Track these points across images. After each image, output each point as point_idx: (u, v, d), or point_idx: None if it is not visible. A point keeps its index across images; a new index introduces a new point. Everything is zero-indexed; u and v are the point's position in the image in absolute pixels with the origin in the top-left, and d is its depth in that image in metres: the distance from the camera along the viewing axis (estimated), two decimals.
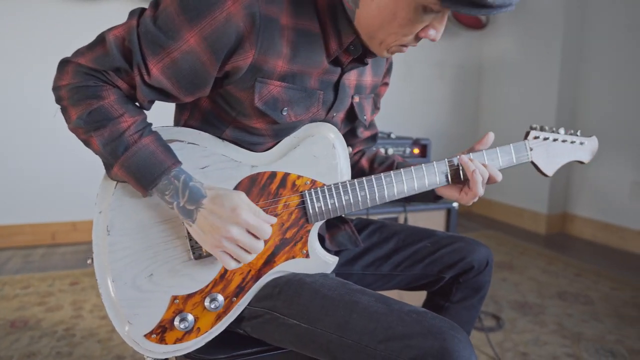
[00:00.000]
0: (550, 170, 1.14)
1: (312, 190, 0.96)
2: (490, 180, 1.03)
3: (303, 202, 0.96)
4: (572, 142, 1.14)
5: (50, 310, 2.22)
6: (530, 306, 2.38)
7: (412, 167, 1.02)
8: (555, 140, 1.13)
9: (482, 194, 1.02)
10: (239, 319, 0.97)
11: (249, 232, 0.84)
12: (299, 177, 0.96)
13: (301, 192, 0.96)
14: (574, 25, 3.60)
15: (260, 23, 0.82)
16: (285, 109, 0.91)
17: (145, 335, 0.90)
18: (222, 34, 0.81)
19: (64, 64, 0.85)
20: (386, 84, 1.19)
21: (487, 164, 1.04)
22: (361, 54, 0.94)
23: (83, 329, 2.05)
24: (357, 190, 0.98)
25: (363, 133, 1.21)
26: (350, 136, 1.18)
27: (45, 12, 3.00)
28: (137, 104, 0.90)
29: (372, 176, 0.99)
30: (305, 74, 0.91)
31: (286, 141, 0.98)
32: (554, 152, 1.13)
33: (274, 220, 0.89)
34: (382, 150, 2.03)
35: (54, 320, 2.12)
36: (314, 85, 0.94)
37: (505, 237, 3.62)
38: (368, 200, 0.98)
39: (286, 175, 0.96)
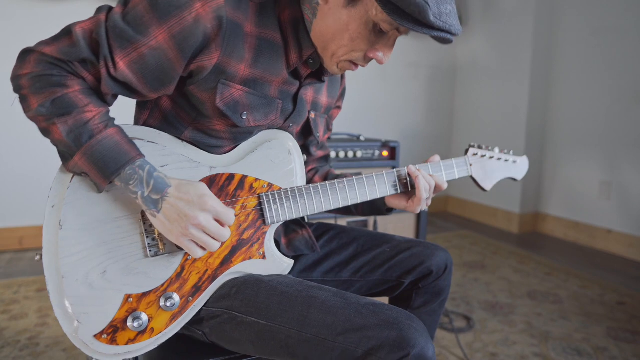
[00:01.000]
0: (487, 185, 1.22)
1: (269, 193, 0.98)
2: (436, 189, 1.10)
3: (260, 204, 0.98)
4: (506, 161, 1.24)
5: (15, 319, 2.16)
6: (500, 306, 2.40)
7: (364, 175, 1.07)
8: (491, 157, 1.21)
9: (429, 202, 1.09)
10: (197, 320, 0.96)
11: (214, 219, 0.86)
12: (256, 179, 0.98)
13: (259, 194, 0.98)
14: (544, 27, 3.66)
15: (226, 27, 0.85)
16: (245, 113, 0.94)
17: (95, 336, 0.87)
18: (190, 34, 0.83)
19: (26, 53, 0.84)
20: (339, 107, 1.25)
21: (432, 174, 1.10)
22: (319, 70, 0.99)
23: (48, 338, 2.00)
24: (312, 194, 1.01)
25: (316, 152, 1.24)
26: (303, 153, 1.19)
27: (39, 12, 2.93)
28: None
29: (327, 182, 1.03)
30: (265, 81, 0.95)
31: (244, 145, 1.00)
32: (490, 168, 1.21)
33: (235, 210, 0.93)
34: (351, 154, 2.03)
35: (17, 329, 2.06)
36: (274, 94, 0.98)
37: (479, 237, 3.66)
38: (323, 204, 1.02)
39: (244, 177, 0.97)
